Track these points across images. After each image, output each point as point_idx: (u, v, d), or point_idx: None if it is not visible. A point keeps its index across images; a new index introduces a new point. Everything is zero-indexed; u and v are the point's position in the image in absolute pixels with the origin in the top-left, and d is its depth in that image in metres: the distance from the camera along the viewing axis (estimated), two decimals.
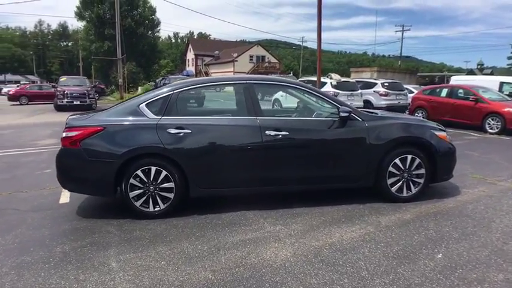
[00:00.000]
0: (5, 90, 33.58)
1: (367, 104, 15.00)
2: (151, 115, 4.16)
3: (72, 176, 4.19)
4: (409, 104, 14.29)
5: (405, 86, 16.90)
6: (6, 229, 3.95)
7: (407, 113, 14.08)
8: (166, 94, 4.26)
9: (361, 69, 29.35)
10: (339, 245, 3.42)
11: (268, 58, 57.72)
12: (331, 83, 14.03)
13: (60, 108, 18.79)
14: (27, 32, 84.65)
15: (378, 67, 29.27)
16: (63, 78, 22.05)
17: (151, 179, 4.07)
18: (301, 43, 77.72)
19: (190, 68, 65.25)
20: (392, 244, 3.42)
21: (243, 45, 64.44)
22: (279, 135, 4.17)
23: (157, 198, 4.12)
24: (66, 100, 18.98)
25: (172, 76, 28.91)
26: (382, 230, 3.74)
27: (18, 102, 24.75)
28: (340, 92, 13.82)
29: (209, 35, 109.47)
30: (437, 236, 3.59)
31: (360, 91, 14.28)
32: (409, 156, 4.46)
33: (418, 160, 4.49)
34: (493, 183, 5.51)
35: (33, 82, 48.83)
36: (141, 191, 4.09)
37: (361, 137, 4.36)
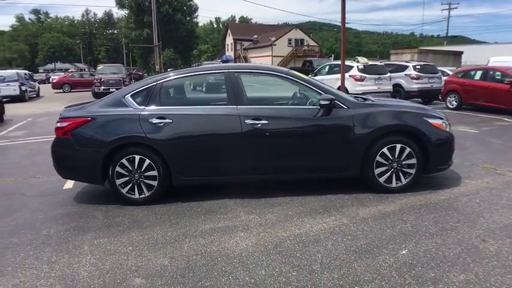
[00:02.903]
0: (53, 78, 35.76)
1: (398, 87, 14.34)
2: (135, 105, 4.30)
3: (64, 164, 4.45)
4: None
5: (441, 68, 15.90)
6: (8, 213, 4.29)
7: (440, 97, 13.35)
8: (150, 85, 4.37)
9: (401, 51, 27.85)
10: (305, 236, 3.39)
11: (307, 41, 56.52)
12: (357, 66, 13.52)
13: (97, 96, 19.67)
14: (75, 22, 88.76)
15: (418, 48, 27.64)
16: (100, 66, 23.16)
17: (136, 168, 4.23)
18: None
19: (230, 52, 65.53)
20: (359, 237, 3.33)
21: (281, 29, 63.38)
22: (258, 124, 4.14)
23: (142, 185, 4.28)
24: (102, 87, 19.93)
25: (206, 62, 29.30)
26: (356, 222, 3.64)
27: (61, 90, 26.31)
28: (367, 75, 13.31)
29: (251, 19, 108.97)
30: (412, 231, 3.44)
31: (388, 74, 13.64)
32: (398, 146, 4.27)
33: (408, 149, 4.28)
34: (503, 174, 5.13)
35: (81, 70, 51.41)
36: (126, 178, 4.26)
37: (345, 126, 4.22)
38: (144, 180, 4.27)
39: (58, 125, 4.37)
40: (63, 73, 36.56)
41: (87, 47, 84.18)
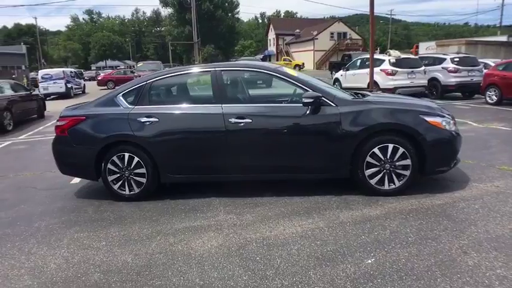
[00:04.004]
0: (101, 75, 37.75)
1: (434, 81, 13.52)
2: (126, 105, 4.41)
3: (63, 160, 4.67)
4: None
5: (484, 60, 14.72)
6: (13, 204, 4.61)
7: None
8: (140, 84, 4.46)
9: (447, 42, 26.15)
10: (273, 239, 3.30)
11: (350, 35, 54.99)
12: (389, 60, 12.92)
13: None
14: (126, 20, 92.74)
15: (466, 40, 25.79)
16: (140, 64, 24.12)
17: (126, 165, 4.35)
18: (389, 16, 72.44)
19: (272, 48, 65.38)
20: (329, 243, 3.18)
21: (324, 23, 62.04)
22: (241, 122, 4.08)
23: (132, 182, 4.40)
24: None
25: (243, 58, 29.45)
26: (332, 226, 3.49)
27: (106, 87, 27.71)
28: (399, 69, 12.68)
29: (296, 13, 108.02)
30: (388, 238, 3.22)
31: (423, 68, 12.89)
32: (391, 145, 4.01)
33: (401, 150, 4.01)
34: None
35: (130, 67, 53.71)
36: (117, 175, 4.40)
37: (332, 124, 4.03)
38: (134, 177, 4.38)
39: (57, 123, 4.61)
40: (110, 70, 38.43)
41: (136, 45, 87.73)
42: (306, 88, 4.16)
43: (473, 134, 7.32)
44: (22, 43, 43.82)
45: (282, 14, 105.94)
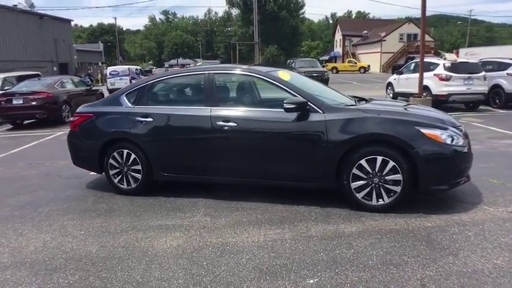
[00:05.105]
0: None
1: (497, 88, 12.22)
2: (127, 104, 4.68)
3: (74, 153, 5.09)
4: None
5: None
6: (33, 190, 5.12)
7: None
8: (142, 85, 4.70)
9: None
10: (231, 246, 3.28)
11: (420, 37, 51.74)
12: (444, 64, 11.93)
13: None
14: (199, 20, 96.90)
15: None
16: (199, 63, 25.08)
17: (124, 161, 4.61)
18: (468, 16, 66.77)
19: (338, 49, 63.95)
20: (283, 256, 3.07)
21: (393, 24, 59.04)
22: (226, 126, 4.11)
23: (130, 177, 4.65)
24: None
25: (299, 59, 29.16)
26: (296, 239, 3.36)
27: None
28: (454, 74, 11.64)
29: (368, 13, 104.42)
30: (348, 259, 3.02)
31: (482, 74, 11.69)
32: (379, 158, 3.75)
33: (392, 163, 3.73)
34: None
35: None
36: (117, 170, 4.68)
37: (316, 131, 3.86)
38: (131, 173, 4.63)
39: (71, 119, 5.03)
40: (176, 68, 40.52)
41: (207, 44, 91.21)
42: (294, 93, 4.05)
43: None
44: (100, 41, 47.92)
45: (354, 15, 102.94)
